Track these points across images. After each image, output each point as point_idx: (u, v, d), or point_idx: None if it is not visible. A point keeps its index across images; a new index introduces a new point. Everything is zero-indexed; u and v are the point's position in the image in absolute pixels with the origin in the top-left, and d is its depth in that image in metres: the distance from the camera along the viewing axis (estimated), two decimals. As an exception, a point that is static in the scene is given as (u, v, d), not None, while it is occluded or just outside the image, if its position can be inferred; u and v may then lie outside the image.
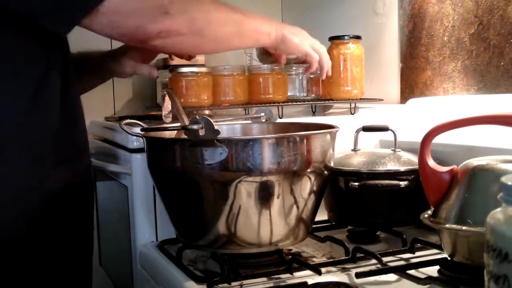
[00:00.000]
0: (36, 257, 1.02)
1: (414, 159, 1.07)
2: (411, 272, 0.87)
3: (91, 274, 1.20)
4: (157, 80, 1.68)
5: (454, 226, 0.81)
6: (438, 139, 0.88)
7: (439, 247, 0.95)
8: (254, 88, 1.40)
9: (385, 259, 0.94)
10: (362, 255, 0.97)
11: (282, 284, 0.89)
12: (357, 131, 1.17)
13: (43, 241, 1.03)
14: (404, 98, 1.48)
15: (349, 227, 1.15)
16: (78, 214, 1.11)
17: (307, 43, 1.23)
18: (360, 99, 1.44)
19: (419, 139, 0.90)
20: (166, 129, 1.05)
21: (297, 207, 0.93)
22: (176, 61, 1.78)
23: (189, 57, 1.27)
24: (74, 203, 1.09)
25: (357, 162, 1.09)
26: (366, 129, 1.16)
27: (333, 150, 0.98)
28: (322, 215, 1.11)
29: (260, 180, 0.88)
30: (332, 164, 0.99)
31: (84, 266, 1.16)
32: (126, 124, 1.02)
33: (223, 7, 1.05)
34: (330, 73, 1.31)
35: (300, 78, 1.47)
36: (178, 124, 1.02)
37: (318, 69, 1.33)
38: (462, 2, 1.29)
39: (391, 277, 0.88)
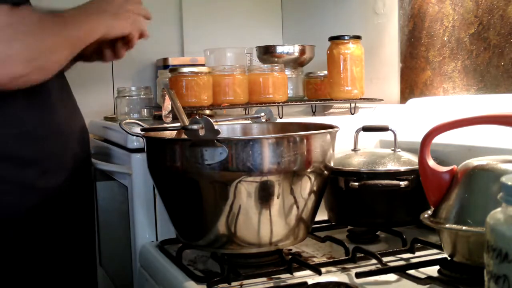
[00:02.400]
0: (36, 257, 1.02)
1: (414, 159, 1.07)
2: (411, 272, 0.87)
3: (95, 274, 1.20)
4: (157, 80, 1.69)
5: (454, 226, 0.81)
6: (438, 139, 0.88)
7: (439, 247, 0.95)
8: (254, 88, 1.40)
9: (385, 259, 0.94)
10: (362, 255, 0.97)
11: (282, 284, 0.89)
12: (357, 131, 1.17)
13: (43, 242, 1.03)
14: (404, 98, 1.48)
15: (349, 227, 1.15)
16: (78, 215, 1.11)
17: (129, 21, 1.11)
18: (360, 99, 1.44)
19: (419, 139, 0.90)
20: (166, 129, 1.05)
21: (297, 207, 0.93)
22: (176, 61, 1.79)
23: None
24: (74, 204, 1.09)
25: (357, 162, 1.09)
26: (366, 129, 1.16)
27: (333, 150, 0.98)
28: (322, 215, 1.11)
29: (260, 180, 0.88)
30: (332, 164, 0.98)
31: (88, 266, 1.16)
32: (126, 124, 1.02)
33: (55, 28, 0.97)
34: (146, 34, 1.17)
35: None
36: (178, 124, 1.02)
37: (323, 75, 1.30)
38: (462, 2, 1.29)
39: (391, 277, 0.88)
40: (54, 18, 0.98)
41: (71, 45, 0.99)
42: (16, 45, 0.90)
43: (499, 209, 0.59)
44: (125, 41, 1.13)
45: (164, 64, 1.81)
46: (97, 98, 1.65)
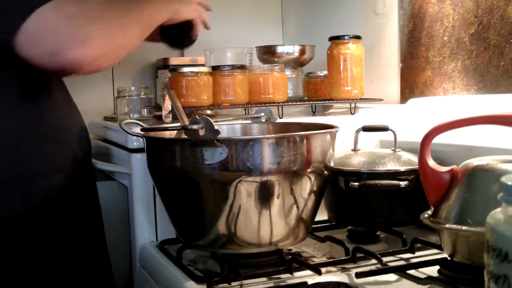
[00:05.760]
0: (39, 257, 1.02)
1: (414, 159, 1.07)
2: (411, 272, 0.87)
3: (111, 273, 1.20)
4: (157, 80, 1.69)
5: (454, 226, 0.81)
6: (438, 139, 0.88)
7: (439, 247, 0.95)
8: (254, 88, 1.40)
9: (385, 259, 0.94)
10: (362, 255, 0.97)
11: (282, 284, 0.89)
12: (357, 131, 1.17)
13: (45, 243, 1.03)
14: (404, 98, 1.48)
15: (349, 227, 1.15)
16: (83, 216, 1.11)
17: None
18: (360, 99, 1.44)
19: (419, 139, 0.90)
20: (166, 129, 1.05)
21: (297, 207, 0.93)
22: (176, 61, 1.79)
23: None
24: (76, 205, 1.09)
25: (357, 162, 1.09)
26: (366, 129, 1.16)
27: (333, 150, 0.98)
28: (322, 215, 1.11)
29: (260, 180, 0.88)
30: (332, 164, 0.98)
31: (101, 266, 1.16)
32: (126, 124, 1.02)
33: (123, 9, 0.98)
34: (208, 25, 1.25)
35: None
36: (178, 124, 1.02)
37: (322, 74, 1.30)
38: (462, 2, 1.29)
39: (391, 277, 0.88)
40: (120, 2, 1.00)
41: (141, 26, 1.02)
42: (92, 27, 0.90)
43: (499, 209, 0.59)
44: (189, 27, 1.19)
45: (164, 64, 1.81)
46: (97, 98, 1.65)
